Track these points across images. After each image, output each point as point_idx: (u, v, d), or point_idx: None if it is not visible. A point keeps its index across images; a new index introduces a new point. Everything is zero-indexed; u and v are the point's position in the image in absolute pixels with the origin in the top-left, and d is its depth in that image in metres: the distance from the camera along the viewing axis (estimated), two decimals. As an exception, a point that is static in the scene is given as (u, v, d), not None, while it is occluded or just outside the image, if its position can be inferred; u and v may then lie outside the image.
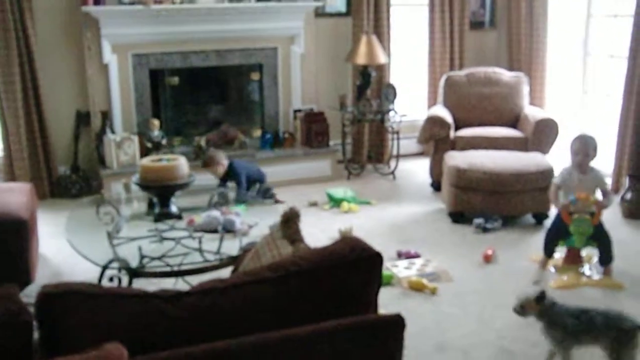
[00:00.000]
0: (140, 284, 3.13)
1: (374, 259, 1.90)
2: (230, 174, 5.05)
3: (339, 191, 5.51)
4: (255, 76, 6.26)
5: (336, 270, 1.83)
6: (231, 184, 4.96)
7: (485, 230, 4.79)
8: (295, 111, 6.29)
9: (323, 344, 1.69)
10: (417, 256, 4.34)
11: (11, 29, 5.33)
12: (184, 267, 3.24)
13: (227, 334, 1.64)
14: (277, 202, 5.20)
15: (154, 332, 1.62)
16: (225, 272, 3.12)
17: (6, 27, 5.32)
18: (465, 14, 6.80)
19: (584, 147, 4.11)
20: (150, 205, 3.90)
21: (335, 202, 5.39)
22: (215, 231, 3.40)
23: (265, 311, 1.73)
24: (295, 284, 1.77)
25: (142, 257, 3.26)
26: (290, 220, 2.31)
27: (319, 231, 4.72)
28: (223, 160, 5.04)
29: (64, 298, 1.59)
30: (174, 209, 3.73)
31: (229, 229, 3.42)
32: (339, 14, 6.59)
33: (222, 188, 4.20)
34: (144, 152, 5.60)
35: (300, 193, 5.66)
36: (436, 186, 5.80)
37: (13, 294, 1.57)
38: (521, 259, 4.33)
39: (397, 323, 1.73)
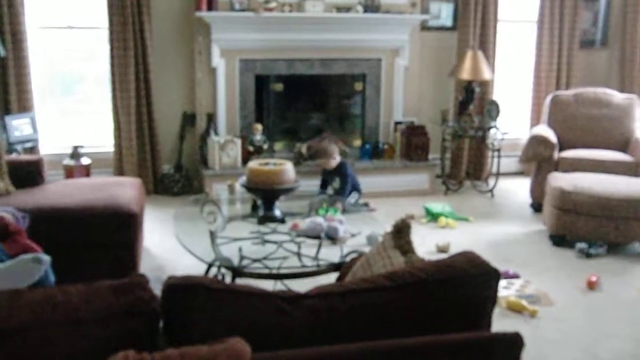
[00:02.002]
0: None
1: (492, 276, 1.88)
2: (339, 172, 5.28)
3: (437, 206, 5.45)
4: (358, 86, 6.29)
5: (454, 283, 1.81)
6: (330, 190, 5.04)
7: (588, 255, 4.62)
8: (396, 123, 6.28)
9: (438, 357, 1.68)
10: (515, 276, 4.23)
11: (130, 31, 5.59)
12: (282, 271, 3.28)
13: (343, 338, 1.65)
14: (370, 210, 5.23)
15: (274, 330, 1.65)
16: (325, 279, 3.16)
17: (125, 30, 5.58)
18: (575, 32, 6.61)
19: None
20: (254, 207, 3.97)
21: (433, 217, 5.33)
22: (318, 237, 3.43)
23: (382, 318, 1.73)
24: (413, 294, 1.77)
25: (242, 257, 3.32)
26: (402, 231, 2.31)
27: (416, 245, 4.65)
28: (337, 154, 5.26)
29: (190, 290, 1.64)
30: (277, 212, 3.78)
31: (331, 236, 3.43)
32: (444, 28, 6.55)
33: (322, 195, 4.24)
34: (246, 156, 5.73)
35: (397, 205, 5.64)
36: (536, 207, 5.64)
37: (144, 282, 1.64)
38: (628, 288, 4.15)
39: (515, 342, 1.69)
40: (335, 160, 5.34)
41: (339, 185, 5.34)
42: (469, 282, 1.82)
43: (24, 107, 5.57)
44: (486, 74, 6.06)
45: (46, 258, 2.62)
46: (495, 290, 1.89)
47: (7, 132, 5.25)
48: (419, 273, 1.80)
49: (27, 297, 1.59)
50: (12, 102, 5.51)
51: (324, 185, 5.44)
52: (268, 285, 3.55)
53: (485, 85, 6.44)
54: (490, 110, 6.17)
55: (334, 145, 5.44)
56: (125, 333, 1.57)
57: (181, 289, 1.65)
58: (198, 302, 1.64)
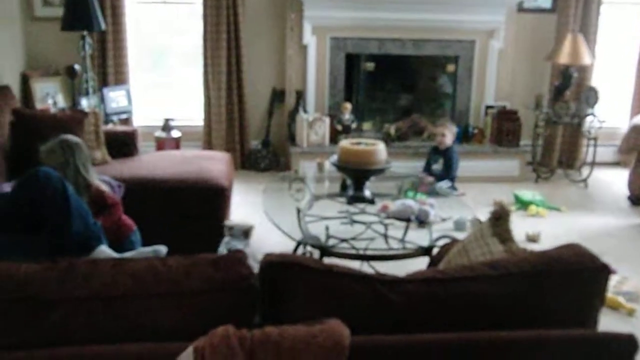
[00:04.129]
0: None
1: (601, 271, 1.78)
2: (445, 154, 5.36)
3: (527, 193, 5.28)
4: (450, 68, 6.14)
5: (559, 277, 1.73)
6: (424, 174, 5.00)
7: (691, 254, 4.38)
8: (487, 107, 6.10)
9: (542, 352, 1.60)
10: (612, 272, 4.04)
11: (223, 6, 5.63)
12: (369, 252, 3.24)
13: (441, 326, 1.60)
14: (459, 195, 5.13)
15: (372, 314, 1.61)
16: (412, 262, 3.11)
17: (219, 5, 5.63)
18: (687, 15, 6.23)
19: None
20: (343, 186, 3.94)
21: (523, 205, 5.17)
22: (407, 220, 3.37)
23: (483, 308, 1.66)
24: (516, 286, 1.69)
25: (328, 237, 3.30)
26: (501, 219, 2.22)
27: (505, 233, 4.54)
28: (452, 135, 5.43)
29: (288, 268, 1.63)
30: (367, 193, 3.74)
31: (422, 220, 3.37)
32: (542, 10, 6.29)
33: (413, 177, 4.16)
34: (334, 134, 5.71)
35: (485, 191, 5.50)
36: (635, 200, 5.38)
37: (243, 259, 1.63)
38: None
39: (629, 344, 1.60)
40: (451, 140, 5.43)
41: (441, 167, 5.32)
42: (576, 277, 1.73)
43: (120, 79, 5.72)
44: (586, 59, 5.79)
45: (164, 250, 2.68)
46: (604, 287, 1.78)
47: (104, 103, 5.40)
48: (523, 264, 1.73)
49: (130, 267, 1.61)
50: (110, 75, 5.67)
51: (427, 167, 5.39)
52: (354, 265, 3.52)
53: (584, 70, 6.16)
54: (588, 96, 5.90)
55: (455, 126, 5.60)
56: (223, 308, 1.57)
57: (280, 266, 1.63)
58: (296, 281, 1.62)
